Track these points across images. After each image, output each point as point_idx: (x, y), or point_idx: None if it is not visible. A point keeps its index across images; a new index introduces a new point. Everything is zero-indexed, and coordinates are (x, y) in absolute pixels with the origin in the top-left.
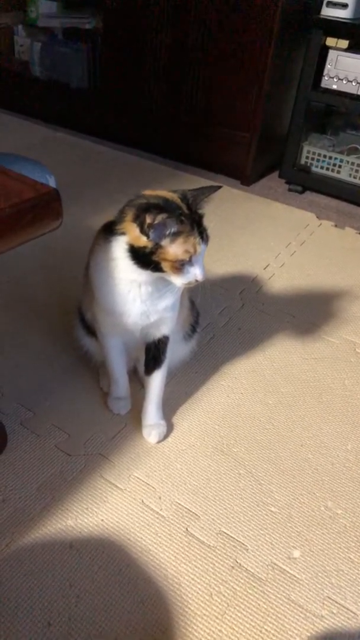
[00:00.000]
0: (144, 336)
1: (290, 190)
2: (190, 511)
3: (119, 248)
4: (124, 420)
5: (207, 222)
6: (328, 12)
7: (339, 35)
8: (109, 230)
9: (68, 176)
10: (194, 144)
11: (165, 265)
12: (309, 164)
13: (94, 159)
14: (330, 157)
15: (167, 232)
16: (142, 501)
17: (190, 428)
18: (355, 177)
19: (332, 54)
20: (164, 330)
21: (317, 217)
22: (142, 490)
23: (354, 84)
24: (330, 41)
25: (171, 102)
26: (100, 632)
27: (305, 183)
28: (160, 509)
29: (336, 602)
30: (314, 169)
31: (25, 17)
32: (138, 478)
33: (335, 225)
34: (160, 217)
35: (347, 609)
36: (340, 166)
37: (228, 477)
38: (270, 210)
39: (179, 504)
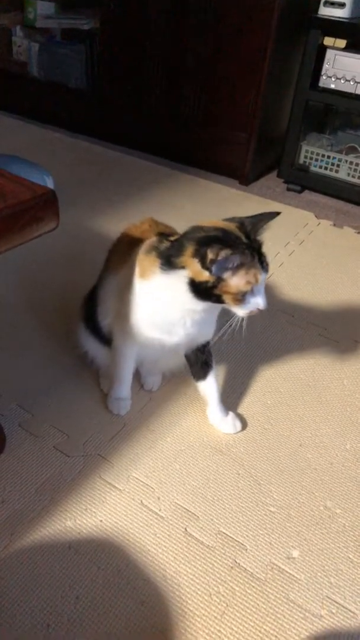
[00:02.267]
0: (180, 349)
1: (288, 189)
2: (189, 511)
3: (179, 282)
4: (122, 421)
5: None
6: (325, 11)
7: (336, 35)
8: (167, 261)
9: (66, 177)
10: (192, 144)
11: (226, 298)
12: (307, 164)
13: (92, 160)
14: (328, 157)
15: (230, 266)
16: (141, 502)
17: (189, 428)
18: (353, 177)
19: (329, 54)
20: (207, 337)
21: (316, 216)
22: (141, 491)
23: (351, 83)
24: (328, 41)
25: (170, 102)
26: (100, 633)
27: (303, 182)
28: (159, 510)
29: (335, 602)
30: (312, 168)
31: (23, 18)
32: (137, 479)
33: (334, 225)
34: (224, 254)
35: (347, 608)
36: (338, 165)
37: (227, 477)
38: (268, 210)
39: (178, 504)
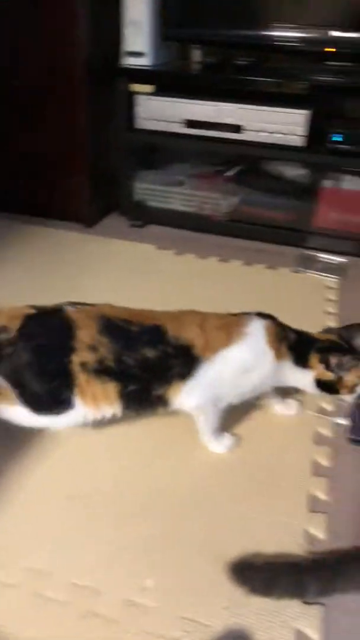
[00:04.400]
0: None
1: (132, 226)
2: (40, 570)
3: (307, 377)
4: None
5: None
6: (129, 60)
7: (142, 81)
8: (297, 358)
9: None
10: (31, 194)
11: (342, 390)
12: (144, 199)
13: None
14: (160, 191)
15: (347, 367)
16: None
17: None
18: (186, 206)
19: (139, 98)
20: None
21: (158, 247)
22: None
23: (164, 123)
24: (136, 87)
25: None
26: None
27: (144, 217)
28: (7, 578)
29: (191, 620)
30: (149, 203)
31: None
32: None
33: (176, 253)
34: (343, 359)
35: (201, 623)
36: (171, 198)
37: (71, 523)
38: (112, 248)
39: (25, 566)
